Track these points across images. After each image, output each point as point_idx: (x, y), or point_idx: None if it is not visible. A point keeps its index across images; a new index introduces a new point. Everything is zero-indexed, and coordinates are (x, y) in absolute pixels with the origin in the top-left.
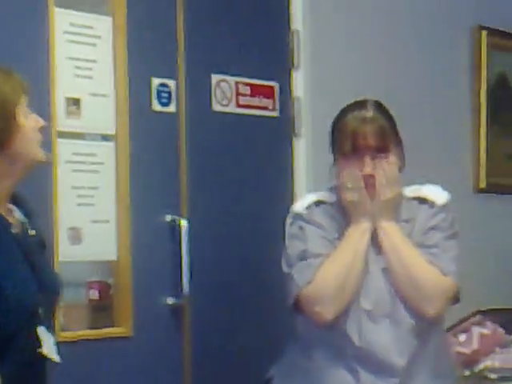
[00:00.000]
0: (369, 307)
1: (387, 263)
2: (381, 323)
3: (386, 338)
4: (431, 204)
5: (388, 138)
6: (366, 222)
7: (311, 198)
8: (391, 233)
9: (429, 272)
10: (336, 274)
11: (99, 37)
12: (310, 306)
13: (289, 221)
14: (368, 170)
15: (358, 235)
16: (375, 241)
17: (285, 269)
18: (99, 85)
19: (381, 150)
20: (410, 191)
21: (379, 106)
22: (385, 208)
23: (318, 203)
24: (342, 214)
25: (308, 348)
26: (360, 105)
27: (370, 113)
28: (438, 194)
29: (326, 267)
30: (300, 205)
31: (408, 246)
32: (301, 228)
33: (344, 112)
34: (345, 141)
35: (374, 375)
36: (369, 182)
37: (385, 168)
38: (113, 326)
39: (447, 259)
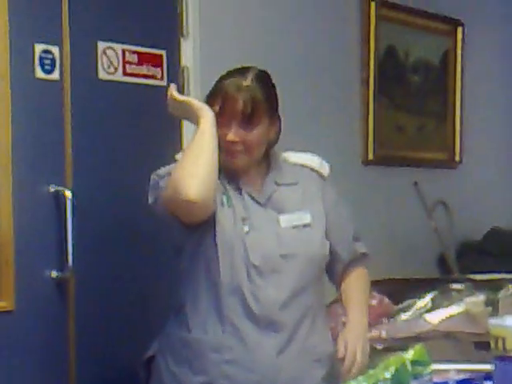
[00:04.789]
0: (256, 263)
1: None
2: (269, 279)
3: (273, 294)
4: (317, 173)
5: (258, 110)
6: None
7: None
8: None
9: None
10: (186, 159)
11: None
12: (172, 190)
13: None
14: (231, 136)
15: (203, 127)
16: (275, 203)
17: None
18: None
19: (249, 120)
20: (293, 157)
21: (261, 77)
22: None
23: None
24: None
25: (189, 318)
26: (241, 72)
27: (247, 81)
28: (321, 165)
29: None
30: None
31: None
32: None
33: (223, 77)
34: (215, 102)
35: (261, 333)
36: (231, 148)
37: (247, 138)
38: None
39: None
